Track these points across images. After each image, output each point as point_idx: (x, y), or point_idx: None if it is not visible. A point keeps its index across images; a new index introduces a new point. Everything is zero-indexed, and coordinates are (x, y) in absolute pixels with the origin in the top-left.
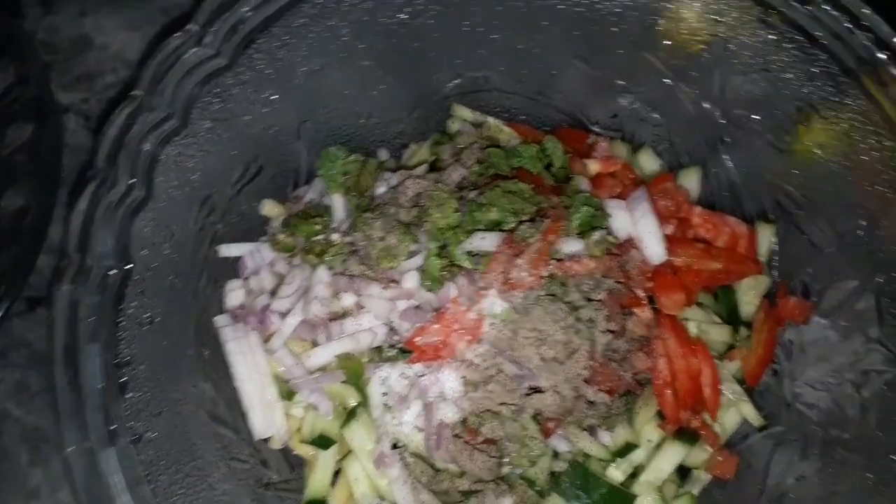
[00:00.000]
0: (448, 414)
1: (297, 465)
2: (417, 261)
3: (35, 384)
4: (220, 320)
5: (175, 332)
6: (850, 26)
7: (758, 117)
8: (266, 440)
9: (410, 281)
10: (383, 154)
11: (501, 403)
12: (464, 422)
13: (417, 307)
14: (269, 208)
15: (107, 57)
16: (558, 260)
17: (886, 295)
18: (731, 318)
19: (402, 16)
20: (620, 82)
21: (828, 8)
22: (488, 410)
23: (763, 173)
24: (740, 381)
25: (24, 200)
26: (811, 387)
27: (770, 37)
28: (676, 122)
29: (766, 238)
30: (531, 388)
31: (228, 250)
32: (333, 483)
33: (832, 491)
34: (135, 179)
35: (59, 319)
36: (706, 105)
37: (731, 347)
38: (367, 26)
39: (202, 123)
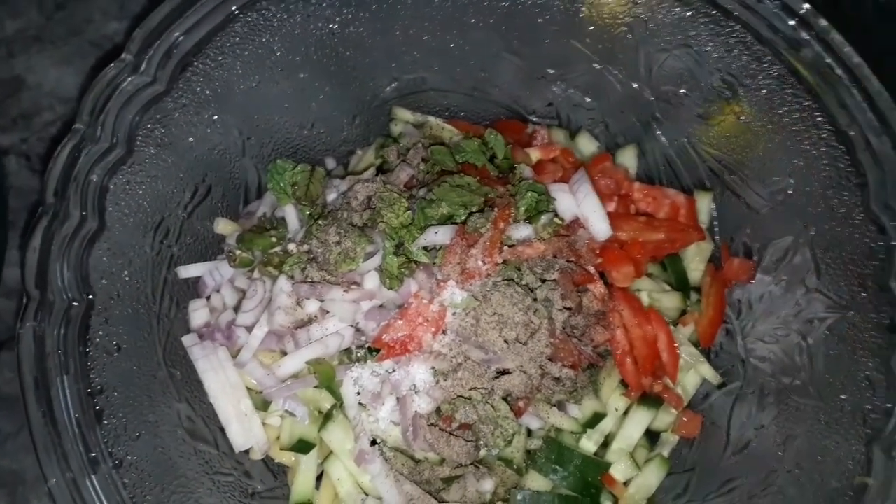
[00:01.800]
0: (422, 405)
1: (279, 474)
2: (375, 261)
3: (6, 428)
4: (188, 340)
5: (144, 357)
6: None
7: (684, 91)
8: (246, 452)
9: (371, 281)
10: (330, 162)
11: (472, 389)
12: (438, 411)
13: (381, 306)
14: (223, 226)
15: (42, 95)
16: (510, 246)
17: (819, 246)
18: (681, 284)
19: (333, 26)
20: (552, 71)
21: None
22: (460, 397)
23: (695, 144)
24: (695, 344)
25: None
26: (762, 341)
27: (686, 13)
28: (609, 105)
29: (705, 205)
30: (498, 371)
31: (187, 271)
32: (318, 486)
33: (789, 435)
34: (86, 211)
35: (26, 355)
36: (635, 85)
37: (683, 313)
38: (300, 39)
39: (147, 150)
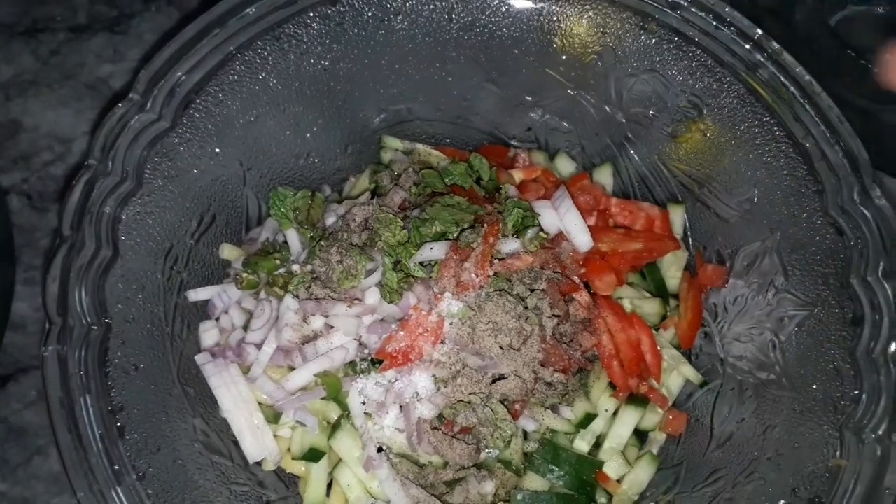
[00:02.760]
0: (424, 411)
1: (290, 483)
2: (376, 277)
3: (15, 457)
4: (201, 358)
5: (159, 376)
6: (716, 24)
7: (653, 113)
8: (259, 463)
9: (372, 297)
10: (326, 189)
11: (471, 394)
12: (440, 416)
13: (381, 320)
14: (228, 252)
15: (39, 136)
16: (500, 259)
17: (785, 249)
18: (660, 291)
19: (324, 62)
20: (529, 98)
21: (695, 10)
22: (460, 401)
23: (666, 161)
24: (677, 347)
25: None
26: (738, 340)
27: (651, 41)
28: (584, 127)
29: (678, 217)
30: (495, 377)
31: (197, 294)
32: (328, 493)
33: (768, 425)
34: (101, 241)
35: (51, 377)
36: (607, 108)
37: (663, 318)
38: (294, 75)
39: (155, 182)
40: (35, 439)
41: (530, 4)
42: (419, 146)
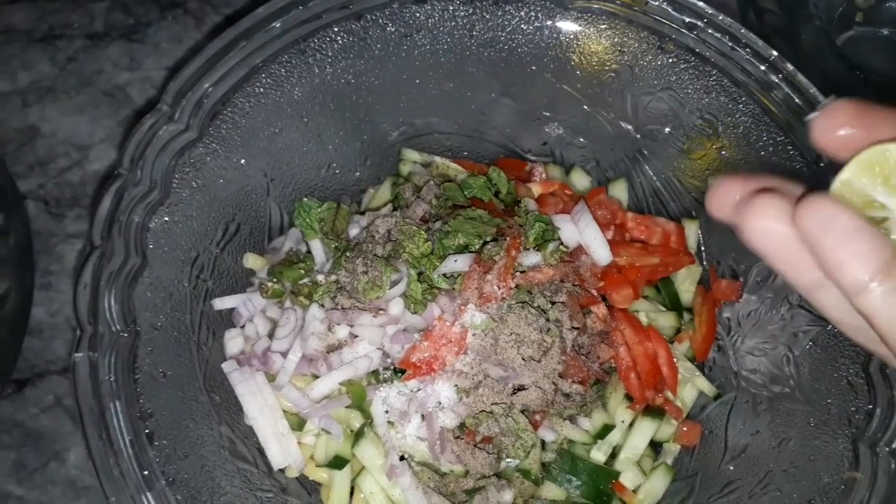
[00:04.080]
0: (447, 421)
1: (312, 491)
2: (400, 288)
3: (32, 462)
4: (227, 366)
5: (186, 383)
6: (732, 45)
7: (668, 130)
8: (283, 470)
9: (396, 307)
10: (345, 200)
11: (493, 404)
12: (461, 425)
13: (405, 330)
14: (253, 261)
15: (57, 142)
16: (522, 272)
17: None
18: (674, 305)
19: (349, 76)
20: (546, 113)
21: (711, 31)
22: (483, 411)
23: (680, 177)
24: (691, 360)
25: (2, 288)
26: (751, 354)
27: (669, 60)
28: (599, 143)
29: (693, 232)
30: (515, 387)
31: (222, 303)
32: (350, 501)
33: (783, 438)
34: (129, 249)
35: (82, 383)
36: (623, 124)
37: (678, 331)
38: (318, 89)
39: (182, 192)
40: (52, 444)
41: (549, 22)
42: (437, 159)
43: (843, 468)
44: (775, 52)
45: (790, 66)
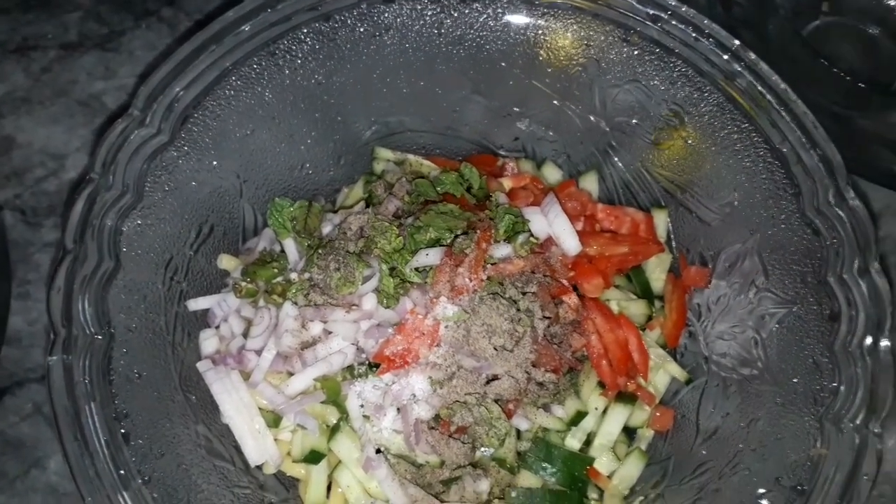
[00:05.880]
0: (421, 412)
1: (290, 486)
2: (373, 283)
3: (13, 470)
4: (202, 365)
5: (162, 383)
6: (696, 35)
7: (636, 121)
8: (260, 466)
9: (369, 302)
10: (319, 200)
11: (466, 394)
12: (436, 416)
13: (378, 325)
14: (227, 262)
15: (32, 153)
16: (493, 264)
17: (765, 250)
18: (645, 293)
19: (318, 77)
20: (516, 109)
21: (675, 22)
22: (456, 402)
23: (649, 168)
24: (663, 346)
25: None
26: (721, 339)
27: (634, 52)
28: (569, 137)
29: (662, 221)
30: (489, 377)
31: (197, 304)
32: (328, 495)
33: (752, 419)
34: (103, 253)
35: (56, 385)
36: (591, 118)
37: (649, 318)
38: (288, 90)
39: (155, 195)
40: (32, 451)
41: (517, 19)
42: (410, 157)
43: (809, 445)
44: (738, 42)
45: (752, 55)
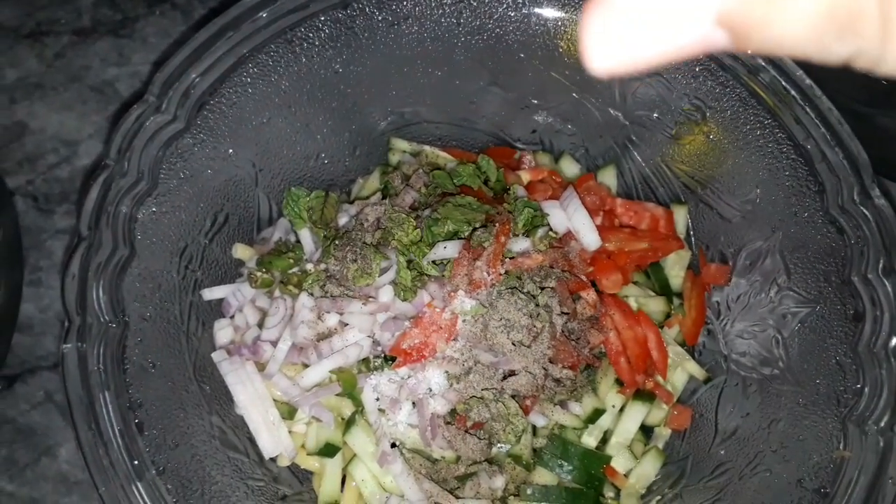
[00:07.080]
0: (437, 407)
1: (304, 479)
2: (390, 275)
3: (23, 458)
4: (217, 356)
5: (176, 373)
6: None
7: (657, 116)
8: (274, 459)
9: (386, 294)
10: (335, 190)
11: (483, 389)
12: (452, 411)
13: (395, 317)
14: (241, 251)
15: (45, 139)
16: (511, 258)
17: (787, 248)
18: (664, 290)
19: (336, 66)
20: (534, 101)
21: None
22: (473, 397)
23: (669, 163)
24: (681, 344)
25: None
26: (741, 337)
27: None
28: (588, 130)
29: (682, 217)
30: (506, 373)
31: (212, 293)
32: (342, 489)
33: (772, 419)
34: (117, 240)
35: (70, 374)
36: (611, 111)
37: (668, 316)
38: (305, 79)
39: (170, 182)
40: (43, 439)
41: (537, 9)
42: (426, 148)
43: (832, 447)
44: None
45: None
